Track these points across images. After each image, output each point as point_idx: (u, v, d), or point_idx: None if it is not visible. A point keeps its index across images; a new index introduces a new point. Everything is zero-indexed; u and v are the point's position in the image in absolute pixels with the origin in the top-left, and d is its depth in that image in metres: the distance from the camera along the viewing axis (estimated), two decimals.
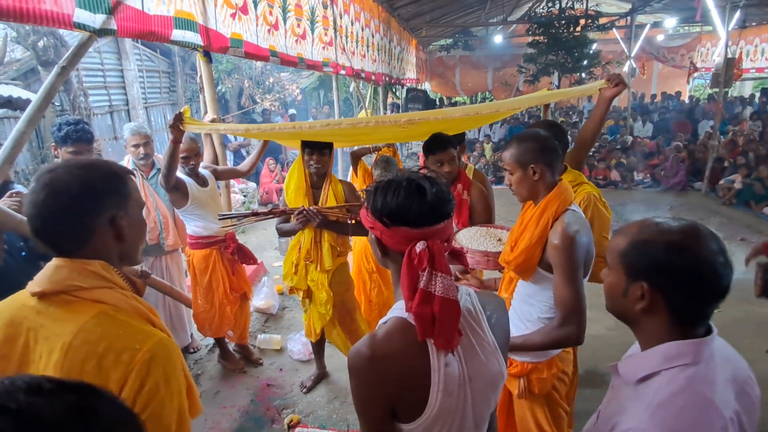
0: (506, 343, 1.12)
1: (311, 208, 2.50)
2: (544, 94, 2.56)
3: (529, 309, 1.63)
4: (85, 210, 0.93)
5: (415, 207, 0.93)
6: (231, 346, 3.35)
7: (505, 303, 1.24)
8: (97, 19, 2.16)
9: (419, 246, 0.93)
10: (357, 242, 3.35)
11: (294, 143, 3.96)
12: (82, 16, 2.08)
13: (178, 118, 2.39)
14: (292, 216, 2.56)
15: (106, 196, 0.95)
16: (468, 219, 2.43)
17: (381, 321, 1.02)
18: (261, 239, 6.09)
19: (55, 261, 0.94)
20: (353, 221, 2.48)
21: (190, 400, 0.99)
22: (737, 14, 8.11)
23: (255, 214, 2.57)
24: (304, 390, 2.98)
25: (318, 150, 2.52)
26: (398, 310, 1.00)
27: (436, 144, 2.35)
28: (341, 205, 2.58)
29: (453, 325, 0.94)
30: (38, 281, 0.93)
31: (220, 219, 2.59)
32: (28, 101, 4.58)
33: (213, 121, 3.11)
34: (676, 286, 0.87)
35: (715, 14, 7.86)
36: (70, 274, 0.91)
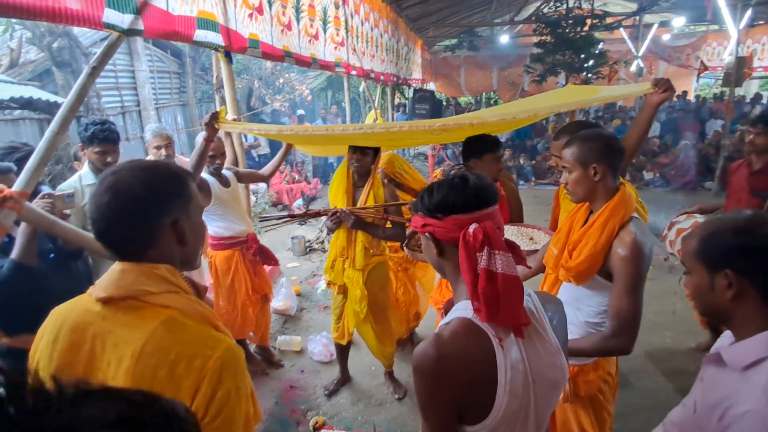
0: (566, 345, 1.11)
1: (345, 209, 2.51)
2: (588, 96, 2.43)
3: (575, 313, 1.60)
4: (149, 213, 0.90)
5: (460, 194, 0.98)
6: (252, 347, 3.33)
7: (563, 305, 1.22)
8: (125, 20, 2.15)
9: (472, 227, 0.95)
10: None
11: (308, 148, 3.95)
12: (111, 16, 2.07)
13: (214, 117, 2.38)
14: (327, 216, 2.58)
15: (168, 198, 0.93)
16: (507, 215, 2.43)
17: (443, 321, 1.01)
18: (273, 240, 6.05)
19: (119, 265, 0.91)
20: (387, 222, 2.49)
21: (253, 407, 0.97)
22: (748, 12, 8.05)
23: (292, 216, 2.61)
24: (326, 393, 2.97)
25: (360, 149, 2.53)
26: (461, 310, 0.99)
27: (494, 142, 2.29)
28: (375, 206, 2.57)
29: (518, 302, 0.95)
30: (103, 286, 0.90)
31: (261, 221, 2.64)
32: (47, 102, 4.57)
33: (234, 121, 3.09)
34: (757, 266, 0.93)
35: (726, 12, 7.81)
36: (138, 278, 0.89)
